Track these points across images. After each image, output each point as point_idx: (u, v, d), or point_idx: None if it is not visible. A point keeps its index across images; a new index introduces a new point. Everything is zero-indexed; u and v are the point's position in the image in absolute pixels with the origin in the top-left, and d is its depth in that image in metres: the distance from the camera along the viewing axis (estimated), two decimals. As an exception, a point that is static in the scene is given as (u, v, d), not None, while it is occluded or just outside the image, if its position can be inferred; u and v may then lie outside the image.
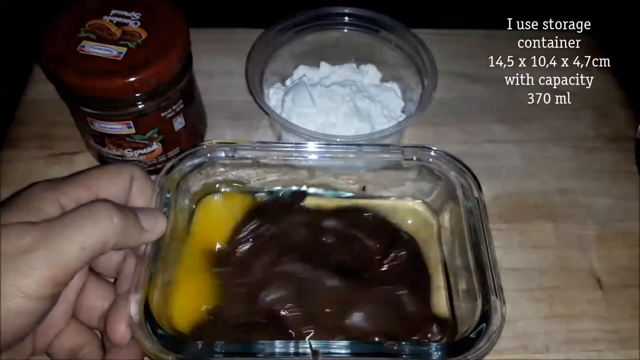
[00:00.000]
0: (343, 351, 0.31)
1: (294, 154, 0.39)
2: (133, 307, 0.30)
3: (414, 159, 0.40)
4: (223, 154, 0.39)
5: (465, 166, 0.39)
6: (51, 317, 0.31)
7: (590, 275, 0.43)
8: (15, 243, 0.27)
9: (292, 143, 0.40)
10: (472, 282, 0.34)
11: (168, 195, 0.36)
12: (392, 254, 0.39)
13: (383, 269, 0.39)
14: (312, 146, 0.39)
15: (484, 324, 0.32)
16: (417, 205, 0.43)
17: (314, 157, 0.39)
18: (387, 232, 0.41)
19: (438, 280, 0.39)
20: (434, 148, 0.40)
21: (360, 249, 0.40)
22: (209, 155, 0.38)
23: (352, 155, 0.39)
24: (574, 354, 0.39)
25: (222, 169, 0.40)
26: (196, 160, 0.38)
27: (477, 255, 0.35)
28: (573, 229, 0.46)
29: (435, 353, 0.31)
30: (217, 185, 0.42)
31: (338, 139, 0.42)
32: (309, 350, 0.30)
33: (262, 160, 0.39)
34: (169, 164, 0.37)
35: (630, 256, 0.44)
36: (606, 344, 0.40)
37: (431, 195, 0.42)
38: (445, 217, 0.41)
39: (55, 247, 0.27)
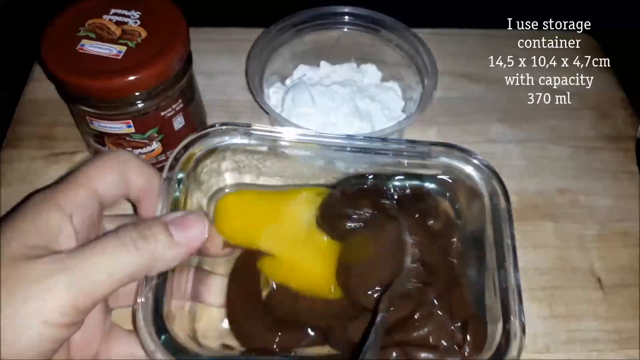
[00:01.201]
0: None
1: (314, 143, 0.36)
2: (140, 313, 0.29)
3: (441, 159, 0.37)
4: (239, 139, 0.36)
5: (494, 172, 0.36)
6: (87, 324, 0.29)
7: (590, 275, 0.43)
8: (37, 267, 0.26)
9: (313, 131, 0.38)
10: (491, 299, 0.33)
11: (180, 186, 0.33)
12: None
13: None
14: (334, 136, 0.37)
15: (504, 351, 0.31)
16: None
17: (335, 146, 0.37)
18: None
19: None
20: (465, 148, 0.37)
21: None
22: (227, 138, 0.35)
23: (377, 147, 0.37)
24: (574, 353, 0.39)
25: (234, 156, 0.38)
26: (210, 144, 0.35)
27: (500, 273, 0.33)
28: (573, 229, 0.46)
29: None
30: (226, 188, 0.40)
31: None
32: None
33: (280, 149, 0.36)
34: (179, 148, 0.35)
35: (630, 256, 0.44)
36: (606, 343, 0.40)
37: (453, 196, 0.40)
38: (466, 222, 0.39)
39: (79, 273, 0.26)
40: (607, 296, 0.42)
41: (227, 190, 0.40)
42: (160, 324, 0.29)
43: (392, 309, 0.32)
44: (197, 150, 0.35)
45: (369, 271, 0.35)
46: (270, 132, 0.36)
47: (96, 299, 0.27)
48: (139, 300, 0.29)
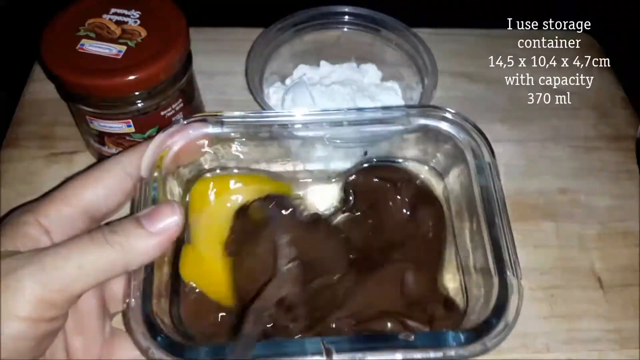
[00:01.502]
0: (356, 346, 0.29)
1: (289, 124, 0.36)
2: (133, 314, 0.29)
3: (420, 121, 0.36)
4: (210, 129, 0.35)
5: (477, 127, 0.36)
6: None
7: (591, 274, 0.43)
8: (5, 263, 0.25)
9: (285, 112, 0.37)
10: (485, 257, 0.32)
11: (156, 184, 0.32)
12: (420, 215, 0.37)
13: (403, 234, 0.36)
14: (306, 113, 0.36)
15: (502, 306, 0.30)
16: (422, 169, 0.40)
17: (309, 123, 0.36)
18: (416, 190, 0.38)
19: (447, 254, 0.38)
20: (444, 108, 0.37)
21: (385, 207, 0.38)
22: (199, 130, 0.35)
23: (353, 118, 0.36)
24: (574, 353, 0.39)
25: (210, 147, 0.37)
26: (183, 139, 0.34)
27: (491, 227, 0.32)
28: (574, 229, 0.46)
29: (453, 342, 0.29)
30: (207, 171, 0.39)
31: (338, 141, 0.41)
32: (321, 349, 0.28)
33: (259, 134, 0.36)
34: (151, 147, 0.33)
35: (631, 256, 0.44)
36: (607, 343, 0.40)
37: (437, 159, 0.39)
38: (453, 184, 0.39)
39: (46, 266, 0.25)
40: (608, 296, 0.42)
41: (207, 176, 0.39)
42: (152, 325, 0.29)
43: (258, 322, 0.32)
44: (172, 146, 0.34)
45: (249, 286, 0.34)
46: (242, 118, 0.35)
47: (70, 293, 0.26)
48: (127, 300, 0.29)
